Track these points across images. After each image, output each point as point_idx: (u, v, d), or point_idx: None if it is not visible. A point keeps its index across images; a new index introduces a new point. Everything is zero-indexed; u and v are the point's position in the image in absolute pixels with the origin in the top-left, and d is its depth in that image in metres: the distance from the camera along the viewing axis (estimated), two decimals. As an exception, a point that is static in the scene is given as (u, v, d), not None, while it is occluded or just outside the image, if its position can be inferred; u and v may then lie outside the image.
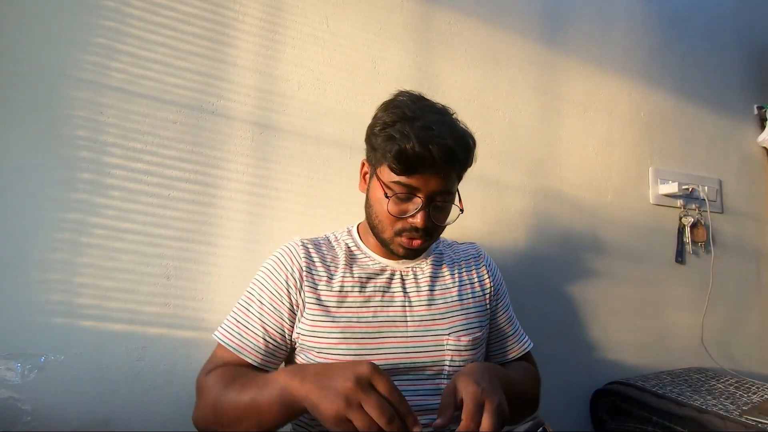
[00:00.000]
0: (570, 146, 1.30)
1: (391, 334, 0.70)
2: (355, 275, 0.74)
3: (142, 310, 0.84)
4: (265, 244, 0.94)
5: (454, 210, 0.73)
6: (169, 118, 0.90)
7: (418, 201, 0.67)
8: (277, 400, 0.56)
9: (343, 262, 0.74)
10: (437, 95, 1.00)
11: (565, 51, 1.33)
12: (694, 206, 1.44)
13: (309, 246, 0.75)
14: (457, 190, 0.72)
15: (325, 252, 0.76)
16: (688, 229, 1.42)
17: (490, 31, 1.23)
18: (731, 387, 1.13)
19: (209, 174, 0.92)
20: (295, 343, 0.71)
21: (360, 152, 0.75)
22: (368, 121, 0.73)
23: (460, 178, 0.73)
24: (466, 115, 0.74)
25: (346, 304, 0.71)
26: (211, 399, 0.63)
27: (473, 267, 0.83)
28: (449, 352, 0.71)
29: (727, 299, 1.47)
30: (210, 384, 0.65)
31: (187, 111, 0.92)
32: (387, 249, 0.73)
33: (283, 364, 0.77)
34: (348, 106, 1.05)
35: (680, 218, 1.43)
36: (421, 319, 0.72)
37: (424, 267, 0.78)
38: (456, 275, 0.80)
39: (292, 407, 0.55)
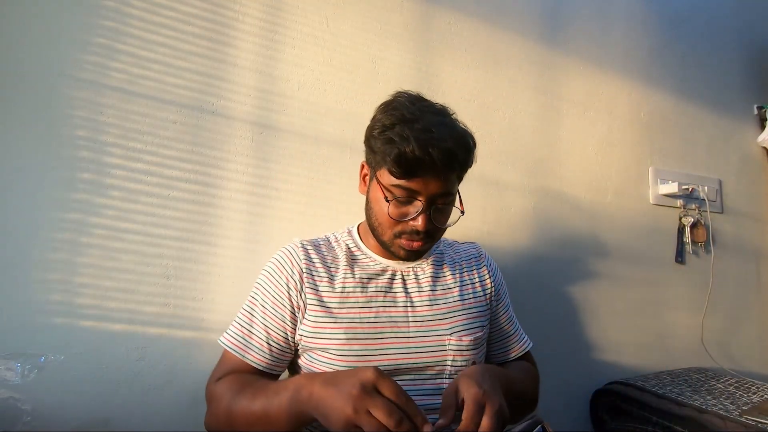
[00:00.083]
0: (570, 146, 1.30)
1: (393, 335, 0.70)
2: (356, 276, 0.73)
3: (142, 310, 0.84)
4: (265, 244, 0.94)
5: (455, 211, 0.72)
6: (169, 118, 0.90)
7: (418, 204, 0.67)
8: (286, 410, 0.57)
9: (344, 263, 0.74)
10: (437, 95, 1.00)
11: (565, 51, 1.33)
12: (694, 206, 1.44)
13: (308, 247, 0.75)
14: (458, 191, 0.72)
15: (325, 253, 0.76)
16: (688, 229, 1.42)
17: (490, 31, 1.23)
18: (731, 387, 1.13)
19: (209, 174, 0.92)
20: (298, 345, 0.71)
21: (360, 152, 0.75)
22: (368, 121, 0.73)
23: (460, 179, 0.72)
24: (466, 115, 0.74)
25: (347, 305, 0.71)
26: (223, 407, 0.64)
27: (474, 267, 0.83)
28: (451, 352, 0.71)
29: (727, 299, 1.47)
30: (220, 392, 0.65)
31: (187, 111, 0.92)
32: (388, 251, 0.73)
33: (286, 371, 0.77)
34: (348, 106, 1.05)
35: (680, 218, 1.43)
36: (423, 320, 0.72)
37: (425, 267, 0.78)
38: (457, 275, 0.80)
39: (301, 416, 0.56)
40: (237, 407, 0.62)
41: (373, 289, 0.73)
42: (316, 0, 1.05)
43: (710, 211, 1.45)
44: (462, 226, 0.73)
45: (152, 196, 0.87)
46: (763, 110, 1.63)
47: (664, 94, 1.47)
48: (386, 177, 0.67)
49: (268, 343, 0.69)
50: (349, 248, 0.77)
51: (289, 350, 0.71)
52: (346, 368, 0.66)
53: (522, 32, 1.27)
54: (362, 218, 0.79)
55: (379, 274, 0.75)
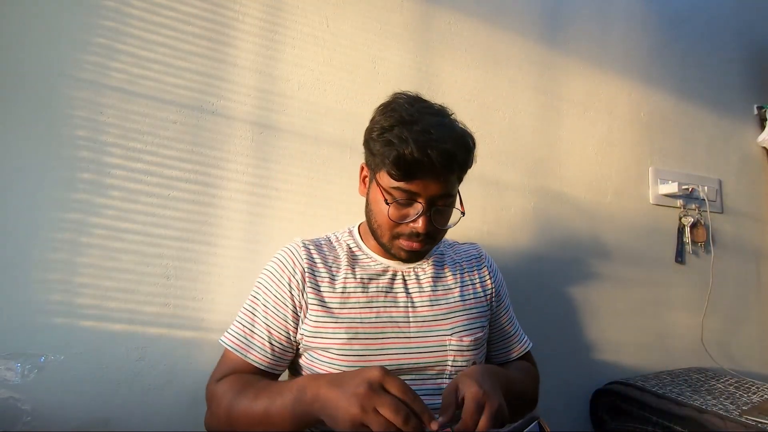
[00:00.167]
0: (570, 146, 1.30)
1: (393, 335, 0.70)
2: (357, 276, 0.74)
3: (142, 310, 0.84)
4: (265, 244, 0.94)
5: (456, 212, 0.72)
6: (169, 118, 0.90)
7: (418, 206, 0.67)
8: (290, 410, 0.57)
9: (345, 263, 0.74)
10: (437, 95, 1.00)
11: (565, 51, 1.33)
12: (694, 206, 1.44)
13: (310, 247, 0.75)
14: (458, 192, 0.72)
15: (327, 253, 0.76)
16: (688, 229, 1.42)
17: (490, 31, 1.23)
18: (731, 387, 1.13)
19: (209, 174, 0.92)
20: (299, 344, 0.71)
21: (360, 152, 0.75)
22: (368, 121, 0.72)
23: (460, 180, 0.72)
24: (466, 115, 0.74)
25: (348, 305, 0.71)
26: (223, 407, 0.63)
27: (475, 268, 0.83)
28: (452, 353, 0.71)
29: (727, 299, 1.47)
30: (221, 392, 0.65)
31: (187, 111, 0.92)
32: (388, 253, 0.73)
33: (287, 370, 0.78)
34: (348, 106, 1.05)
35: (680, 218, 1.43)
36: (423, 320, 0.72)
37: (425, 267, 0.78)
38: (458, 276, 0.80)
39: (305, 417, 0.56)
40: (239, 407, 0.62)
41: (374, 289, 0.73)
42: (316, 0, 1.05)
43: (710, 211, 1.45)
44: (462, 226, 0.73)
45: (152, 196, 0.87)
46: (763, 110, 1.63)
47: (664, 94, 1.47)
48: (386, 179, 0.67)
49: (270, 343, 0.69)
50: (350, 248, 0.77)
51: (290, 349, 0.71)
52: (347, 368, 0.66)
53: (522, 32, 1.27)
54: (362, 218, 0.79)
55: (380, 275, 0.75)
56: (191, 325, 0.87)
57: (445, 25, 1.18)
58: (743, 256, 1.53)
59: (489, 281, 0.82)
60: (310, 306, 0.70)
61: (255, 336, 0.70)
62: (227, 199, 0.93)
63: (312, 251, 0.74)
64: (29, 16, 0.82)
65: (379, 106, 0.71)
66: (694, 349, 1.37)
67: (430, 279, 0.77)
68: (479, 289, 0.81)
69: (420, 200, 0.66)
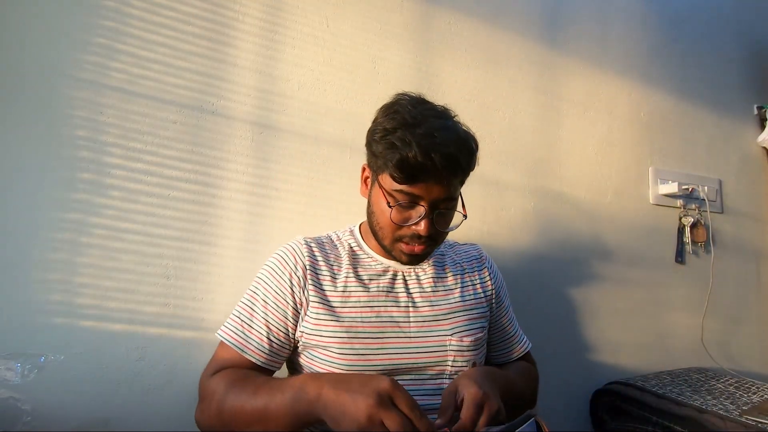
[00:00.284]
0: (570, 146, 1.30)
1: (393, 335, 0.70)
2: (358, 275, 0.74)
3: (142, 310, 0.84)
4: (265, 244, 0.94)
5: (458, 215, 0.72)
6: (169, 118, 0.90)
7: (421, 209, 0.66)
8: (290, 408, 0.57)
9: (347, 262, 0.74)
10: (437, 95, 1.00)
11: (565, 51, 1.33)
12: (694, 206, 1.44)
13: (312, 245, 0.75)
14: (460, 195, 0.72)
15: (329, 251, 0.76)
16: (688, 229, 1.42)
17: (490, 31, 1.23)
18: (731, 387, 1.13)
19: (209, 174, 0.92)
20: (298, 342, 0.71)
21: (360, 152, 0.75)
22: (368, 121, 0.72)
23: (462, 183, 0.72)
24: (466, 115, 0.74)
25: (349, 304, 0.71)
26: (216, 402, 0.63)
27: (475, 269, 0.83)
28: (452, 353, 0.71)
29: (727, 299, 1.47)
30: (214, 386, 0.65)
31: (187, 111, 0.92)
32: (390, 254, 0.73)
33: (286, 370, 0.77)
34: (348, 106, 1.05)
35: (680, 218, 1.43)
36: (424, 320, 0.72)
37: (426, 268, 0.78)
38: (458, 276, 0.80)
39: (305, 417, 0.56)
40: (233, 403, 0.61)
41: (375, 288, 0.73)
42: (316, 0, 1.05)
43: (710, 211, 1.45)
44: (462, 226, 0.73)
45: (152, 196, 0.87)
46: (763, 110, 1.63)
47: (664, 94, 1.47)
48: (388, 182, 0.67)
49: (268, 339, 0.69)
50: (351, 248, 0.77)
51: (288, 346, 0.71)
52: (347, 366, 0.66)
53: (522, 32, 1.27)
54: (363, 218, 0.79)
55: (380, 275, 0.75)
56: (191, 325, 0.87)
57: (445, 25, 1.18)
58: (743, 256, 1.53)
59: (489, 282, 0.82)
60: (311, 303, 0.70)
61: (253, 331, 0.69)
62: (227, 199, 0.93)
63: (314, 249, 0.74)
64: (29, 16, 0.82)
65: (382, 107, 0.71)
66: (694, 349, 1.37)
67: (430, 279, 0.77)
68: (479, 290, 0.81)
69: (422, 203, 0.66)
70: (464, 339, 0.72)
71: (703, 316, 1.39)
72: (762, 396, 1.06)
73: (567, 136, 1.30)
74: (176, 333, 0.86)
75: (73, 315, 0.80)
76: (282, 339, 0.70)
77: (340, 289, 0.72)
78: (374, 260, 0.76)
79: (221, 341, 0.70)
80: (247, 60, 0.97)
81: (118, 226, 0.84)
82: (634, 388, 1.11)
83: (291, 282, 0.71)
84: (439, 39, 1.17)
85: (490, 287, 0.82)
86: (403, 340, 0.70)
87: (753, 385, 1.14)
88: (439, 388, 0.70)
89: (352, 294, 0.72)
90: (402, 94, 0.71)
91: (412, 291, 0.75)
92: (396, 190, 0.66)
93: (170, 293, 0.86)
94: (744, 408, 0.97)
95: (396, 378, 0.67)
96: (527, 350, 0.87)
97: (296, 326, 0.70)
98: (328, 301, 0.70)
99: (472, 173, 0.72)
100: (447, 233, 0.73)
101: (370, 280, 0.74)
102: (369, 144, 0.71)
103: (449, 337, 0.72)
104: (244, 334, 0.69)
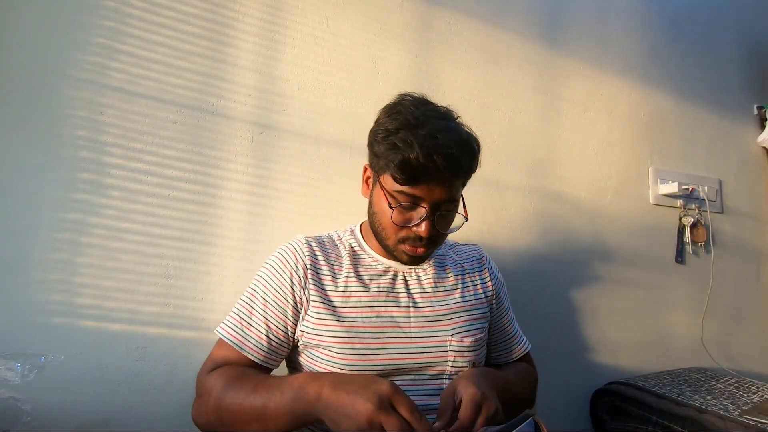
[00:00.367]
0: (570, 146, 1.30)
1: (394, 335, 0.70)
2: (359, 275, 0.74)
3: (142, 310, 0.84)
4: (265, 244, 0.94)
5: (459, 216, 0.72)
6: (169, 118, 0.90)
7: (422, 210, 0.66)
8: (289, 407, 0.57)
9: (347, 262, 0.74)
10: (437, 95, 1.00)
11: (565, 51, 1.33)
12: (694, 206, 1.44)
13: (313, 244, 0.75)
14: (462, 196, 0.72)
15: (329, 250, 0.76)
16: (688, 229, 1.42)
17: (490, 31, 1.23)
18: (731, 387, 1.13)
19: (209, 174, 0.92)
20: (298, 341, 0.71)
21: (360, 152, 0.75)
22: (368, 121, 0.72)
23: (464, 185, 0.72)
24: (466, 115, 0.74)
25: (350, 304, 0.71)
26: (214, 399, 0.63)
27: (476, 270, 0.83)
28: (452, 353, 0.71)
29: (727, 299, 1.47)
30: (212, 383, 0.65)
31: (187, 111, 0.92)
32: (390, 255, 0.73)
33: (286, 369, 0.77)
34: (348, 106, 1.05)
35: (680, 218, 1.43)
36: (424, 320, 0.72)
37: (427, 268, 0.78)
38: (459, 277, 0.80)
39: (304, 416, 0.56)
40: (233, 401, 0.61)
41: (376, 288, 0.73)
42: (316, 0, 1.05)
43: (710, 211, 1.45)
44: (462, 226, 0.73)
45: (152, 196, 0.87)
46: (763, 110, 1.63)
47: (664, 94, 1.47)
48: (390, 182, 0.66)
49: (267, 337, 0.69)
50: (352, 247, 0.77)
51: (286, 345, 0.71)
52: (347, 366, 0.66)
53: (522, 32, 1.27)
54: (363, 218, 0.79)
55: (381, 275, 0.75)
56: (191, 325, 0.87)
57: (445, 25, 1.18)
58: (743, 256, 1.53)
59: (490, 283, 0.82)
60: (311, 302, 0.70)
61: (252, 329, 0.69)
62: (227, 199, 0.93)
63: (314, 248, 0.74)
64: (29, 16, 0.82)
65: (385, 107, 0.71)
66: (694, 349, 1.37)
67: (431, 280, 0.77)
68: (480, 291, 0.81)
69: (424, 204, 0.66)
70: (464, 339, 0.72)
71: (703, 316, 1.39)
72: (762, 396, 1.06)
73: (567, 136, 1.30)
74: (176, 333, 0.86)
75: (73, 315, 0.80)
76: (281, 337, 0.70)
77: (341, 288, 0.72)
78: (375, 260, 0.76)
79: (220, 338, 0.70)
80: (247, 60, 0.97)
81: (118, 226, 0.84)
82: (634, 388, 1.11)
83: (291, 281, 0.71)
84: (439, 39, 1.17)
85: (490, 288, 0.82)
86: (404, 340, 0.70)
87: (753, 385, 1.14)
88: (439, 388, 0.70)
89: (353, 294, 0.72)
90: (405, 94, 0.71)
91: (412, 291, 0.75)
92: (397, 191, 0.66)
93: (170, 293, 0.86)
94: (744, 408, 0.97)
95: (396, 378, 0.68)
96: (527, 351, 0.87)
97: (296, 325, 0.70)
98: (330, 300, 0.70)
99: (473, 174, 0.72)
100: (448, 235, 0.73)
101: (371, 280, 0.74)
102: (371, 144, 0.70)
103: (450, 338, 0.72)
104: (243, 332, 0.69)
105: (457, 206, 0.71)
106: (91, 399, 0.79)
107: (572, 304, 1.24)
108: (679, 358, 1.34)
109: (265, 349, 0.69)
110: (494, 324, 0.83)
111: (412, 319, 0.72)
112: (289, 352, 0.73)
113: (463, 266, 0.82)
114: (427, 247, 0.70)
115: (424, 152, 0.62)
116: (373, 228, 0.73)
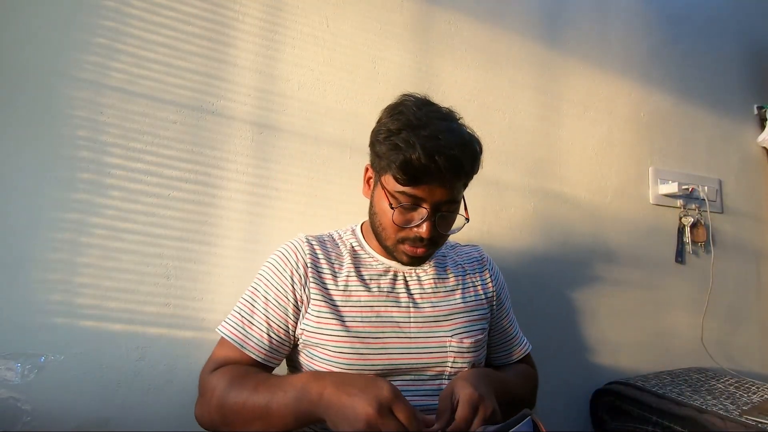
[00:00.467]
0: (570, 146, 1.30)
1: (394, 335, 0.70)
2: (360, 275, 0.74)
3: (142, 310, 0.84)
4: (265, 244, 0.94)
5: (460, 217, 0.72)
6: (169, 118, 0.90)
7: (423, 211, 0.66)
8: (292, 406, 0.57)
9: (348, 261, 0.75)
10: (437, 95, 1.00)
11: (565, 51, 1.33)
12: (694, 206, 1.44)
13: (314, 243, 0.75)
14: (463, 198, 0.72)
15: (330, 249, 0.76)
16: (688, 229, 1.42)
17: (490, 31, 1.23)
18: (731, 387, 1.13)
19: (209, 174, 0.92)
20: (298, 340, 0.71)
21: (360, 152, 0.75)
22: (368, 121, 0.72)
23: (465, 186, 0.72)
24: (466, 115, 0.74)
25: (350, 303, 0.71)
26: (217, 398, 0.63)
27: (477, 271, 0.83)
28: (452, 354, 0.71)
29: (727, 299, 1.46)
30: (215, 382, 0.65)
31: (187, 111, 0.92)
32: (391, 255, 0.73)
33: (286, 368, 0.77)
34: (348, 106, 1.05)
35: (680, 218, 1.43)
36: (424, 321, 0.72)
37: (427, 269, 0.78)
38: (459, 278, 0.80)
39: (307, 415, 0.57)
40: (236, 400, 0.61)
41: (376, 288, 0.73)
42: (316, 0, 1.05)
43: (710, 211, 1.45)
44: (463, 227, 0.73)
45: (152, 196, 0.87)
46: (763, 110, 1.62)
47: (664, 94, 1.47)
48: (391, 183, 0.66)
49: (268, 335, 0.69)
50: (352, 247, 0.77)
51: (288, 343, 0.71)
52: (347, 365, 0.66)
53: (522, 32, 1.27)
54: (364, 217, 0.79)
55: (381, 275, 0.75)
56: (191, 325, 0.87)
57: (445, 25, 1.18)
58: (743, 256, 1.53)
59: (490, 284, 0.82)
60: (312, 301, 0.70)
61: (253, 327, 0.69)
62: (227, 199, 0.93)
63: (315, 247, 0.74)
64: (29, 16, 0.83)
65: (387, 108, 0.71)
66: (694, 349, 1.37)
67: (431, 280, 0.77)
68: (480, 292, 0.81)
69: (425, 205, 0.66)
70: (464, 340, 0.72)
71: (703, 316, 1.39)
72: (762, 396, 1.06)
73: (567, 136, 1.30)
74: (176, 333, 0.86)
75: (73, 315, 0.80)
76: (282, 336, 0.70)
77: (341, 287, 0.72)
78: (375, 260, 0.76)
79: (221, 337, 0.70)
80: (247, 60, 0.97)
81: (118, 226, 0.84)
82: (634, 388, 1.11)
83: (292, 279, 0.71)
84: (439, 39, 1.17)
85: (491, 289, 0.82)
86: (404, 340, 0.70)
87: (753, 385, 1.14)
88: (439, 388, 0.70)
89: (353, 293, 0.72)
90: (407, 95, 0.71)
91: (413, 291, 0.75)
92: (399, 192, 0.66)
93: (170, 293, 0.86)
94: (744, 408, 0.97)
95: (395, 378, 0.68)
96: (527, 352, 0.87)
97: (296, 323, 0.70)
98: (331, 298, 0.71)
99: (475, 175, 0.72)
100: (448, 236, 0.73)
101: (371, 279, 0.74)
102: (373, 144, 0.70)
103: (449, 339, 0.72)
104: (245, 331, 0.69)
105: (458, 207, 0.71)
106: (91, 399, 0.79)
107: (572, 304, 1.24)
108: (679, 358, 1.34)
109: (267, 348, 0.69)
110: (494, 325, 0.83)
111: (412, 320, 0.72)
112: (290, 350, 0.73)
113: (463, 267, 0.82)
114: (428, 247, 0.70)
115: (425, 153, 0.62)
116: (374, 228, 0.73)
